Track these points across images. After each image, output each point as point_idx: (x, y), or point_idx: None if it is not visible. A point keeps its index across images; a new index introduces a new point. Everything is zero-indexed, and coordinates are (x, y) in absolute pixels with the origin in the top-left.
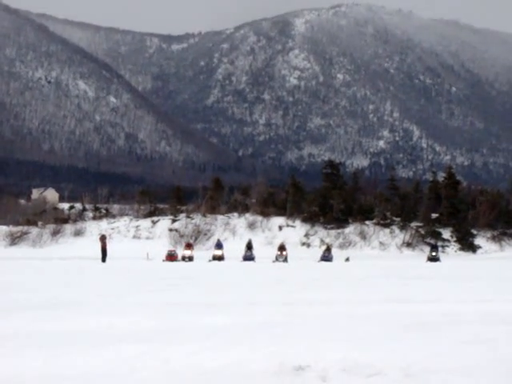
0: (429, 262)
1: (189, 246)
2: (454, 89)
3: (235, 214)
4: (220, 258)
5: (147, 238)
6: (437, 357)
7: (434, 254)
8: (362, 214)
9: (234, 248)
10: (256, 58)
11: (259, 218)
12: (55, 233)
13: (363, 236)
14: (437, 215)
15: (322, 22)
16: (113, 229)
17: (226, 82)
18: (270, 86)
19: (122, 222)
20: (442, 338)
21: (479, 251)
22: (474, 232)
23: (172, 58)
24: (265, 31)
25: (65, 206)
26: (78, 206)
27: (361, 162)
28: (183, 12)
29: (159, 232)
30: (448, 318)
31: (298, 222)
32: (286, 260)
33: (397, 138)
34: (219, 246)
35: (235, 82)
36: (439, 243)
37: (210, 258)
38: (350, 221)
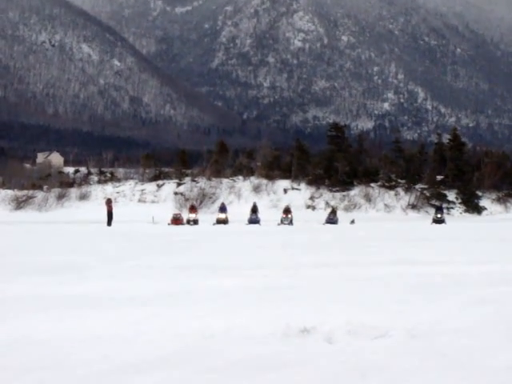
0: (434, 224)
1: (193, 209)
2: (458, 50)
3: (240, 178)
4: (224, 222)
5: (152, 202)
6: (442, 318)
7: (439, 215)
8: (367, 176)
9: (239, 211)
10: (260, 21)
11: (264, 181)
12: (60, 197)
13: (368, 198)
14: (442, 177)
15: None
16: (118, 192)
17: (231, 45)
18: (275, 48)
19: (128, 186)
20: (447, 300)
21: (484, 213)
22: (479, 194)
23: (176, 20)
24: None
25: (70, 169)
26: (83, 169)
27: (365, 124)
28: None
29: (164, 195)
30: (453, 279)
31: (303, 185)
32: (291, 223)
33: (401, 100)
34: (223, 209)
35: (239, 45)
36: (444, 205)
37: (214, 222)
38: (355, 183)
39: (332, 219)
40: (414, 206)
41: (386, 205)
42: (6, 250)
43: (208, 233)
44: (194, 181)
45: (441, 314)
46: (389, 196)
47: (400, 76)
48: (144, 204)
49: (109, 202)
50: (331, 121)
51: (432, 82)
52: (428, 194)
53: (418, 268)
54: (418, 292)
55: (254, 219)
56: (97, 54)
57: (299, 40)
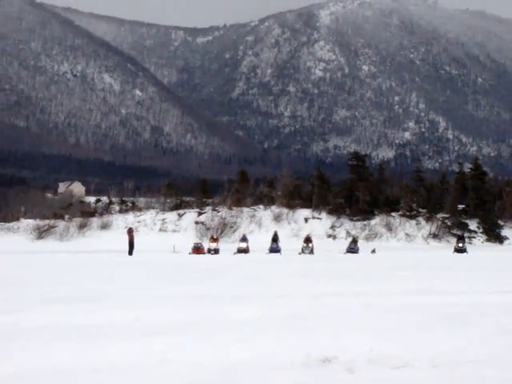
0: (455, 253)
1: (214, 239)
2: (479, 79)
3: (261, 207)
4: (245, 251)
5: (173, 231)
6: (464, 348)
7: (460, 245)
8: (388, 205)
9: (260, 240)
10: (281, 50)
11: (285, 210)
12: (82, 226)
13: (389, 228)
14: (463, 206)
15: (347, 13)
16: (139, 222)
17: (251, 75)
18: (295, 78)
19: (149, 215)
20: (468, 330)
21: (506, 242)
22: (501, 223)
23: (197, 50)
24: (290, 23)
25: (91, 199)
26: (105, 199)
27: (386, 153)
28: (208, 5)
29: (185, 225)
30: (475, 309)
31: (323, 214)
32: (312, 252)
33: (422, 130)
34: (244, 239)
35: (260, 75)
36: (466, 234)
37: (235, 251)
38: (376, 212)
39: (353, 248)
40: (435, 236)
41: (407, 234)
42: (28, 279)
43: (229, 262)
44: (215, 210)
45: (462, 343)
46: (410, 225)
47: (421, 105)
48: (165, 233)
49: (130, 232)
50: (352, 150)
51: (453, 111)
52: (449, 224)
53: (440, 297)
54: (439, 321)
55: (274, 248)
56: (118, 84)
57: (320, 69)
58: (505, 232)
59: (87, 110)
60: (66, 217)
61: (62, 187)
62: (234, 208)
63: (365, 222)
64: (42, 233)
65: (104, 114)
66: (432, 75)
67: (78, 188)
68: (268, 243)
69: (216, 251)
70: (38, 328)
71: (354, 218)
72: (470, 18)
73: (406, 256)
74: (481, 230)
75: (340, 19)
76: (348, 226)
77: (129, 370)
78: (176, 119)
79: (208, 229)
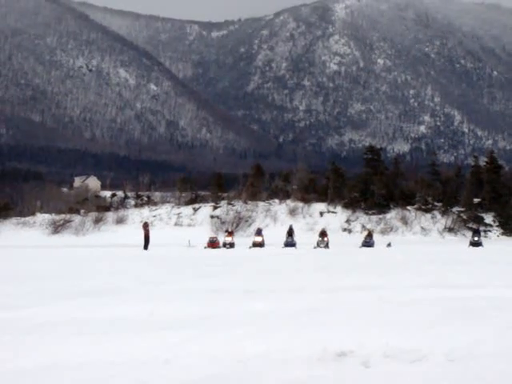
0: (471, 247)
1: (230, 233)
2: (495, 73)
3: (276, 201)
4: (260, 245)
5: (189, 225)
6: (480, 342)
7: (476, 238)
8: (404, 199)
9: (275, 234)
10: (296, 44)
11: (300, 204)
12: (97, 221)
13: (405, 221)
14: (479, 200)
15: (362, 6)
16: (154, 216)
17: (266, 69)
18: (310, 71)
19: (164, 210)
20: (485, 323)
21: None
22: None
23: (212, 45)
24: (304, 17)
25: (107, 193)
26: (120, 193)
27: (402, 147)
28: None
29: (200, 219)
30: (491, 302)
31: (339, 208)
32: (327, 246)
33: (438, 123)
34: (259, 233)
35: (275, 69)
36: (481, 228)
37: (251, 245)
38: (392, 206)
39: (368, 242)
40: (450, 229)
41: (422, 228)
42: (44, 274)
43: (244, 256)
44: (230, 204)
45: (478, 337)
46: (425, 219)
47: (436, 99)
48: (180, 227)
49: (146, 226)
50: (367, 144)
51: (468, 104)
52: (465, 217)
53: (456, 291)
54: (455, 315)
55: (290, 242)
56: (133, 78)
57: (335, 63)
58: None
59: (102, 104)
60: (82, 211)
61: (77, 182)
62: (249, 202)
63: (380, 216)
64: (57, 227)
65: (119, 109)
66: (447, 68)
67: (93, 182)
68: (283, 237)
69: (231, 245)
70: (54, 322)
71: (370, 212)
72: (486, 11)
73: (422, 250)
74: (496, 224)
75: (355, 13)
76: (363, 220)
77: (144, 363)
78: (191, 113)
79: (223, 223)
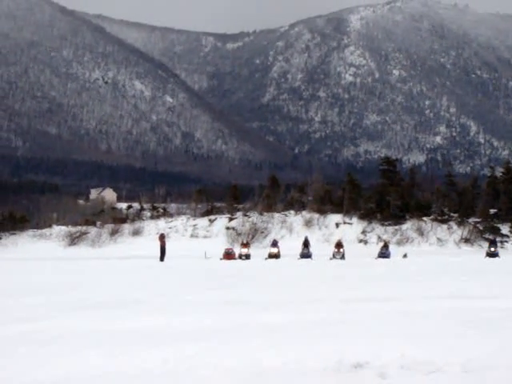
0: (488, 258)
1: (245, 245)
2: (511, 83)
3: (292, 212)
4: (276, 256)
5: (205, 237)
6: (496, 353)
7: (492, 249)
8: (420, 210)
9: (290, 246)
10: (311, 56)
11: (316, 215)
12: (113, 232)
13: (421, 232)
14: (495, 211)
15: (377, 17)
16: (170, 228)
17: (282, 80)
18: (326, 83)
19: (180, 221)
20: (501, 335)
21: None
22: None
23: (227, 56)
24: (319, 28)
25: (123, 205)
26: (136, 205)
27: (417, 158)
28: (238, 11)
29: (216, 230)
30: (507, 313)
31: (354, 219)
32: (343, 257)
33: (454, 134)
34: (275, 244)
35: (290, 80)
36: (498, 239)
37: (266, 256)
38: (408, 217)
39: (384, 253)
40: (467, 240)
41: (438, 239)
42: (60, 286)
43: (260, 267)
44: (246, 215)
45: (495, 349)
46: (441, 230)
47: (452, 109)
48: (196, 239)
49: (162, 238)
50: (383, 155)
51: (484, 115)
52: (481, 228)
53: (472, 302)
54: (471, 326)
55: (305, 254)
56: (149, 90)
57: (350, 74)
58: None
59: (118, 116)
60: (98, 223)
61: (93, 194)
62: (265, 213)
63: (396, 227)
64: (74, 239)
65: (135, 121)
66: (463, 79)
67: (109, 194)
68: (299, 248)
69: (247, 256)
70: (71, 334)
71: (386, 223)
72: (501, 21)
73: (438, 261)
74: None
75: (370, 24)
76: (379, 231)
77: (160, 375)
78: (206, 125)
79: (239, 234)
